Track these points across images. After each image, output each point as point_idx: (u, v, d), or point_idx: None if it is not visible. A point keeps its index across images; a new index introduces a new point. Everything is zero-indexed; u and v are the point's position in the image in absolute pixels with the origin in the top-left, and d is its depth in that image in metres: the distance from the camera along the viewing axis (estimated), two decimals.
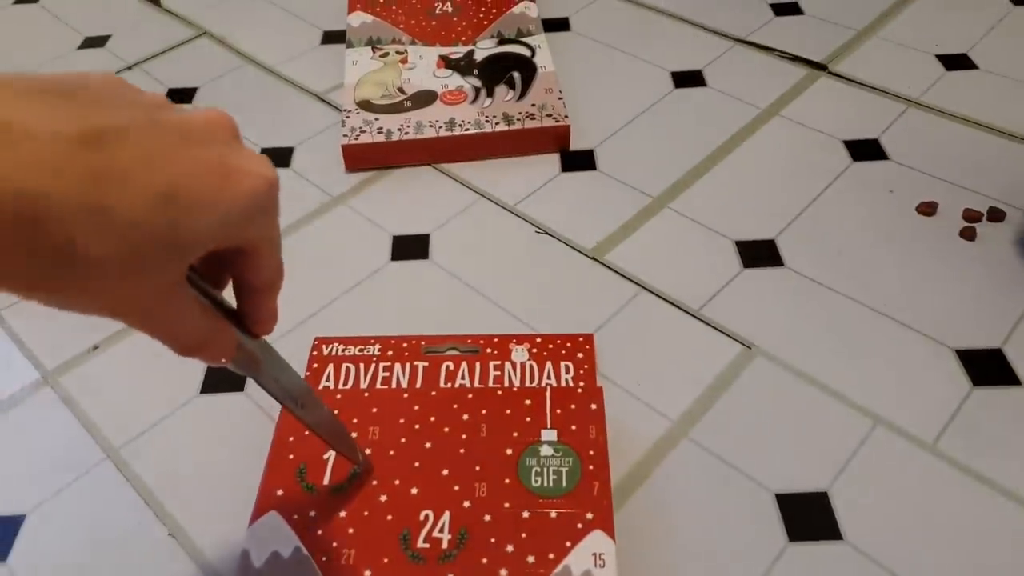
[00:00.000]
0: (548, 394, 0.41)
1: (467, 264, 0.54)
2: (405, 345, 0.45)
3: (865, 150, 0.60)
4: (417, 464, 0.39)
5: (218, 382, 0.47)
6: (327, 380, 0.44)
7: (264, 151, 0.64)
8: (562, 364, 0.44)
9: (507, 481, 0.38)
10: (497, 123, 0.62)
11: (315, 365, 0.44)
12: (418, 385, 0.43)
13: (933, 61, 0.68)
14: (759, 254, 0.53)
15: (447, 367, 0.44)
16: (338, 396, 0.42)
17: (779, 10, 0.75)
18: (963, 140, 0.60)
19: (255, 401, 0.46)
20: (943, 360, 0.46)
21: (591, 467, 0.38)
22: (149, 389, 0.47)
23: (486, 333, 0.46)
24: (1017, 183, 0.56)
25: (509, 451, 0.39)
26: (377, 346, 0.45)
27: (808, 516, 0.40)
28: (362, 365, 0.44)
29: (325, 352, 0.45)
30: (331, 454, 0.39)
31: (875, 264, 0.52)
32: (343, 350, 0.45)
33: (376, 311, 0.51)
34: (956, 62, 0.67)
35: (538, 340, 0.45)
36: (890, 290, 0.50)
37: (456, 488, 0.38)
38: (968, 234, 0.52)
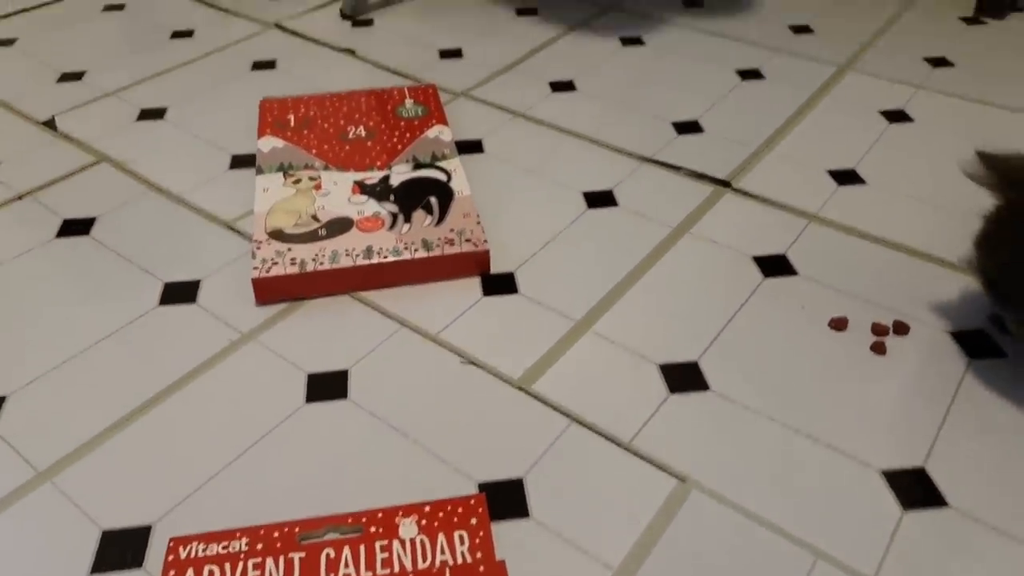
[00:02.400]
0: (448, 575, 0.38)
1: (389, 401, 0.51)
2: (276, 534, 0.41)
3: (774, 266, 0.62)
4: None
5: (111, 561, 0.42)
6: None
7: (168, 286, 0.60)
8: (455, 534, 0.41)
9: None
10: (416, 250, 0.61)
11: (172, 572, 0.40)
12: None
13: (826, 176, 0.72)
14: (683, 377, 0.53)
15: (327, 555, 0.40)
16: None
17: (681, 129, 0.79)
18: (862, 253, 0.64)
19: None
20: (871, 482, 0.47)
21: None
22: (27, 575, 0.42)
23: (369, 506, 0.43)
24: (915, 294, 0.59)
25: None
26: (244, 540, 0.41)
27: None
28: (228, 565, 0.40)
29: (183, 555, 0.40)
30: None
31: (796, 383, 0.53)
32: (204, 549, 0.41)
33: (288, 466, 0.48)
34: (846, 177, 0.72)
35: (426, 510, 0.43)
36: (813, 409, 0.51)
37: None
38: (879, 348, 0.54)
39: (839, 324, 0.56)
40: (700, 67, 0.90)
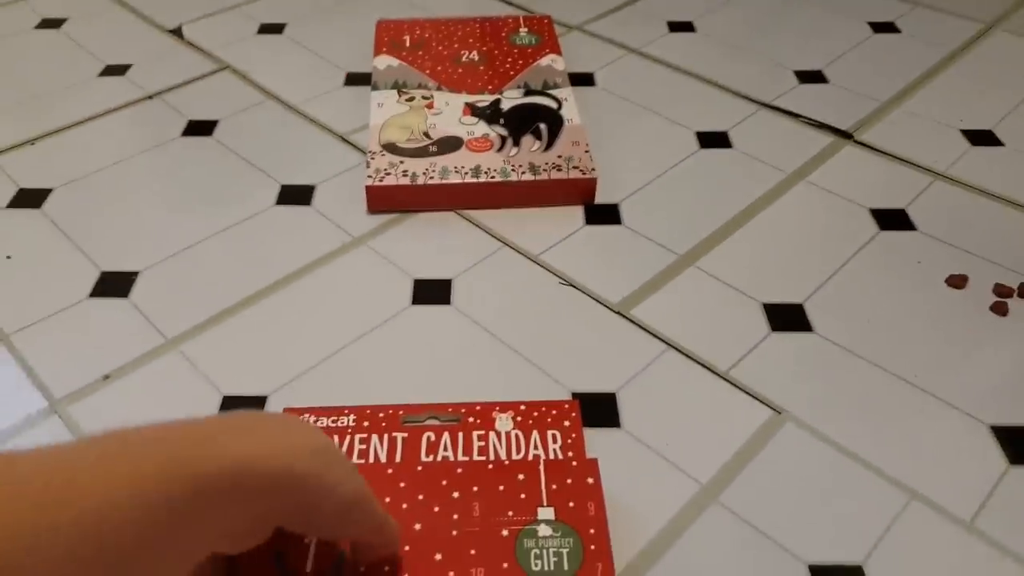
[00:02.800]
0: (542, 467, 0.39)
1: (489, 312, 0.53)
2: (382, 415, 0.43)
3: (892, 219, 0.60)
4: (407, 548, 0.36)
5: None
6: None
7: (284, 188, 0.63)
8: (549, 433, 0.42)
9: (505, 566, 0.35)
10: (523, 172, 0.61)
11: None
12: (398, 458, 0.41)
13: (958, 135, 0.68)
14: (787, 318, 0.52)
15: (428, 438, 0.42)
16: None
17: (804, 78, 0.76)
18: (991, 215, 0.60)
19: None
20: (979, 436, 0.45)
21: (592, 547, 0.35)
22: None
23: (467, 401, 0.44)
24: None
25: (505, 532, 0.36)
26: (352, 416, 0.43)
27: None
28: (336, 437, 0.42)
29: None
30: (312, 538, 0.36)
31: (905, 335, 0.51)
32: (315, 422, 0.43)
33: (393, 358, 0.50)
34: (982, 138, 0.68)
35: (522, 408, 0.43)
36: (921, 362, 0.49)
37: (451, 575, 0.35)
38: (1000, 309, 0.52)
39: (958, 282, 0.54)
40: (829, 16, 0.86)
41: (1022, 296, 0.53)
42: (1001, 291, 0.53)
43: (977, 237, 0.58)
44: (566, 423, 0.43)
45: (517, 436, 0.42)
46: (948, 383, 0.48)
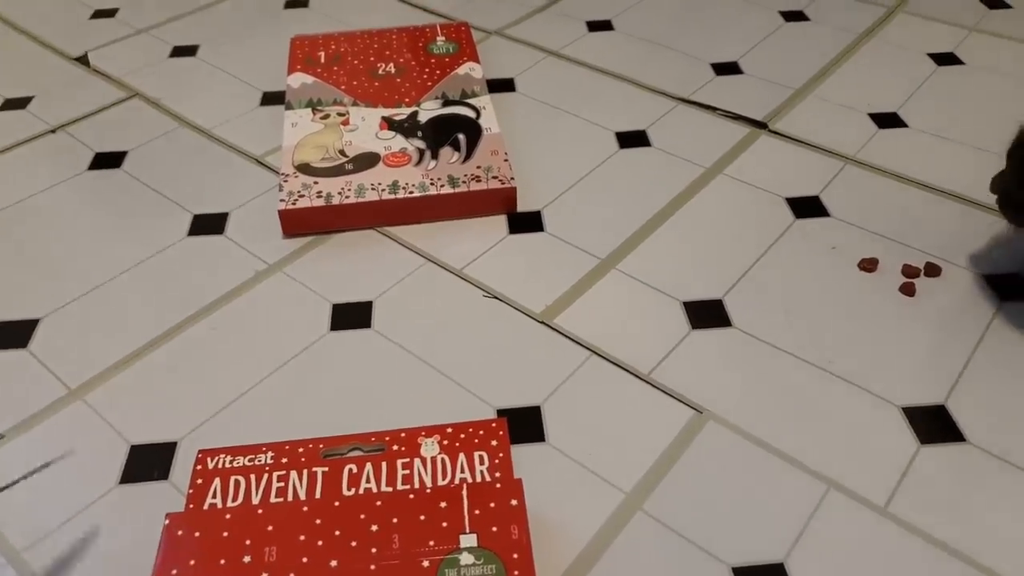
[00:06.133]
0: (465, 493, 0.38)
1: (412, 332, 0.52)
2: (301, 450, 0.42)
3: (807, 207, 0.61)
4: None
5: (139, 473, 0.44)
6: (214, 497, 0.40)
7: (197, 218, 0.61)
8: (475, 455, 0.42)
9: None
10: (442, 185, 0.61)
11: (199, 481, 0.41)
12: (318, 494, 0.40)
13: (866, 119, 0.70)
14: (707, 314, 0.53)
15: (350, 470, 0.41)
16: (227, 516, 0.38)
17: (720, 70, 0.77)
18: (899, 196, 0.62)
19: (179, 490, 0.43)
20: (890, 418, 0.46)
21: (516, 573, 0.35)
22: (58, 485, 0.44)
23: (391, 428, 0.43)
24: (950, 238, 0.57)
25: (426, 563, 0.35)
26: (269, 454, 0.42)
27: None
28: (253, 476, 0.41)
29: (211, 465, 0.41)
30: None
31: (820, 322, 0.52)
32: (231, 461, 0.42)
33: (313, 388, 0.49)
34: (888, 120, 0.70)
35: (448, 431, 0.43)
36: (836, 348, 0.50)
37: None
38: (908, 290, 0.53)
39: (869, 265, 0.55)
40: (742, 8, 0.87)
41: (928, 275, 0.54)
42: (908, 271, 0.54)
43: (886, 219, 0.59)
44: (493, 442, 0.42)
45: (443, 460, 0.41)
46: (861, 368, 0.49)
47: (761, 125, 0.70)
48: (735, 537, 0.40)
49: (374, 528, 0.37)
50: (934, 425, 0.45)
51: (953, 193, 0.62)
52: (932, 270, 0.54)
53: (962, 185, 0.62)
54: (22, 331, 0.53)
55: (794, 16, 0.85)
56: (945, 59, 0.77)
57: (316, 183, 0.61)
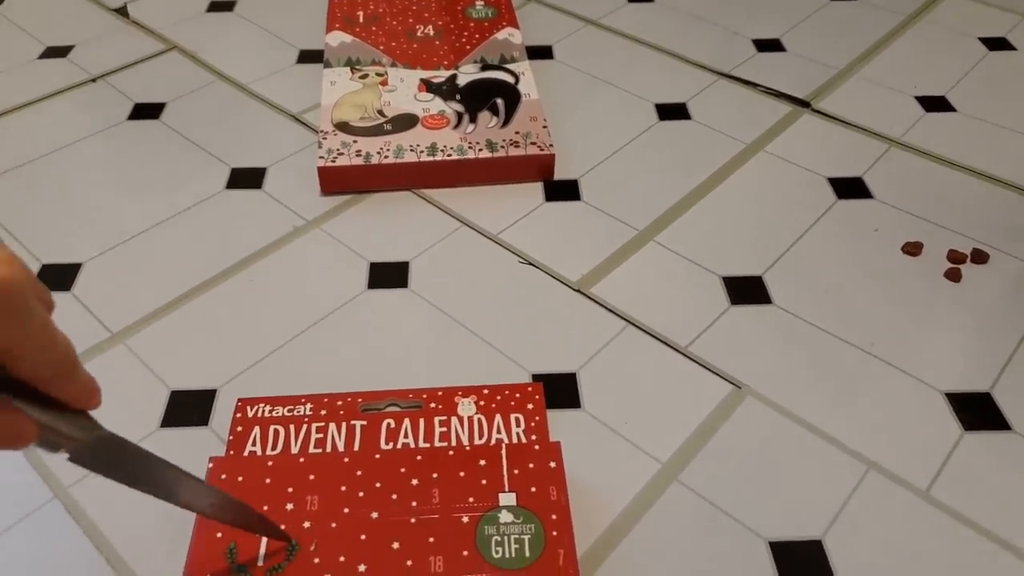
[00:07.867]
0: (504, 452, 0.38)
1: (448, 294, 0.52)
2: (339, 403, 0.42)
3: (849, 188, 0.60)
4: (363, 537, 0.35)
5: (179, 418, 0.44)
6: (253, 444, 0.40)
7: (235, 171, 0.61)
8: (512, 416, 0.42)
9: (465, 553, 0.34)
10: (480, 149, 0.60)
11: (239, 428, 0.41)
12: (356, 447, 0.40)
13: (912, 102, 0.68)
14: (746, 291, 0.52)
15: (388, 425, 0.41)
16: (269, 463, 0.38)
17: (761, 46, 0.75)
18: (945, 181, 0.61)
19: (219, 437, 0.43)
20: (933, 403, 0.45)
21: (554, 533, 0.35)
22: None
23: (427, 387, 0.43)
24: (999, 225, 0.56)
25: (465, 519, 0.36)
26: (309, 405, 0.42)
27: (804, 568, 0.38)
28: (292, 426, 0.41)
29: (250, 414, 0.42)
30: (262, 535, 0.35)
31: (862, 304, 0.51)
32: (270, 411, 0.42)
33: (350, 344, 0.49)
34: (935, 104, 0.68)
35: (485, 392, 0.43)
36: (878, 330, 0.49)
37: (409, 563, 0.34)
38: (954, 275, 0.52)
39: (913, 249, 0.54)
40: None
41: (975, 262, 0.53)
42: (954, 257, 0.53)
43: (932, 203, 0.58)
44: (530, 406, 0.42)
45: (480, 421, 0.41)
46: (904, 351, 0.48)
47: (804, 104, 0.69)
48: (772, 512, 0.40)
49: (414, 482, 0.37)
50: (978, 412, 0.45)
51: (1003, 180, 0.60)
52: (979, 257, 0.53)
53: (1012, 172, 0.61)
54: (66, 274, 0.53)
55: None
56: (996, 44, 0.75)
57: (355, 141, 0.61)
